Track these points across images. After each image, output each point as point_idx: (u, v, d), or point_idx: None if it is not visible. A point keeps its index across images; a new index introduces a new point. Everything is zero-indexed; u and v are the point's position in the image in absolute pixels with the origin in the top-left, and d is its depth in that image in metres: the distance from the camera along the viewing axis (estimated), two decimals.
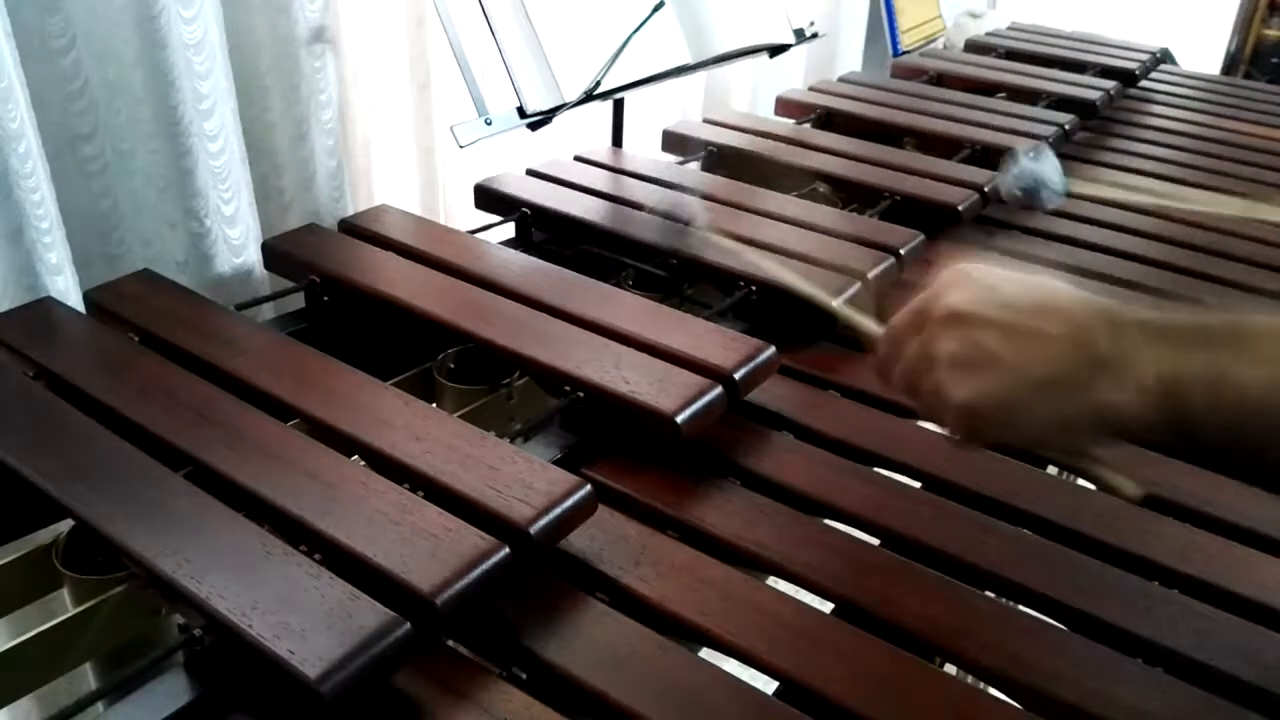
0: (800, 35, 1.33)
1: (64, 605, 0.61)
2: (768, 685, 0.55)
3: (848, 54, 1.95)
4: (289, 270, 0.91)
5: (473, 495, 0.59)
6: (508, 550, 0.55)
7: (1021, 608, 0.62)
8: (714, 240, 0.90)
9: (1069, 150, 1.38)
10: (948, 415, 0.53)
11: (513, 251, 0.93)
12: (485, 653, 0.57)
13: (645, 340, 0.77)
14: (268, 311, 0.94)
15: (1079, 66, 1.71)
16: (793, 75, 1.80)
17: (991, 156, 1.25)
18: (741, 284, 0.90)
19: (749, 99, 1.72)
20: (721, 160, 1.25)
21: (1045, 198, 0.96)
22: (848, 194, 1.16)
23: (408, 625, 0.50)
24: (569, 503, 0.59)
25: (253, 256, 0.98)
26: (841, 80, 1.58)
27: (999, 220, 1.16)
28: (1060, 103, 1.50)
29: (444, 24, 0.93)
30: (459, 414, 0.75)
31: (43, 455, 0.61)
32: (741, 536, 0.65)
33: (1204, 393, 0.47)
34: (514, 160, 1.14)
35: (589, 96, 1.02)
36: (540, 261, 0.90)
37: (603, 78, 1.03)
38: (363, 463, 0.63)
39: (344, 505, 0.57)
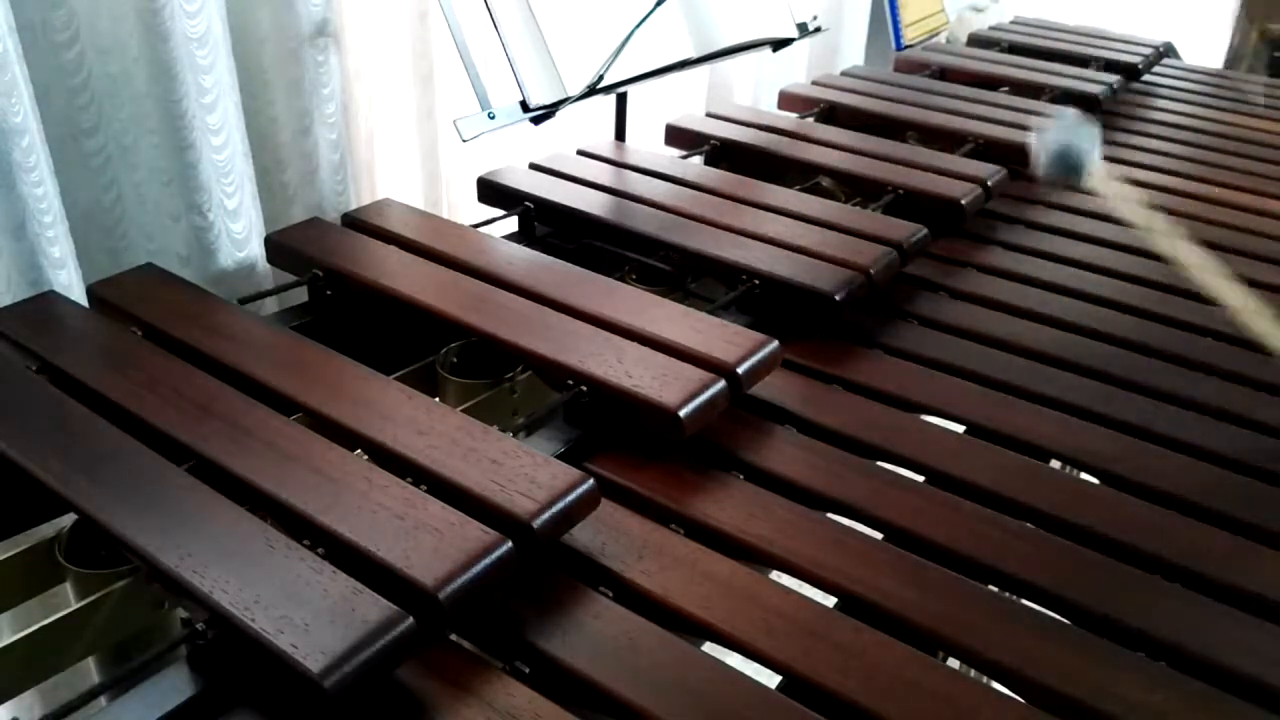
0: (803, 29, 1.33)
1: (67, 600, 0.61)
2: (770, 679, 0.55)
3: (850, 48, 1.95)
4: (292, 264, 0.91)
5: (476, 489, 0.59)
6: (510, 544, 0.55)
7: (1025, 602, 0.62)
8: None
9: None
10: None
11: (515, 245, 0.93)
12: (488, 647, 0.57)
13: (648, 334, 0.76)
14: (271, 305, 0.94)
15: (1082, 61, 1.70)
16: (795, 69, 1.79)
17: (994, 151, 1.25)
18: (744, 277, 0.90)
19: (752, 93, 1.72)
20: (724, 154, 1.25)
21: (1078, 174, 0.88)
22: (851, 188, 1.16)
23: (411, 619, 0.50)
24: (572, 497, 0.59)
25: (256, 250, 0.98)
26: (844, 74, 1.58)
27: (1003, 215, 1.16)
28: (1063, 97, 1.49)
29: (447, 18, 0.93)
30: (462, 408, 0.75)
31: (45, 449, 0.61)
32: (744, 531, 0.65)
33: None
34: (517, 154, 1.14)
35: (592, 90, 1.02)
36: (543, 255, 0.90)
37: (606, 72, 1.02)
38: (365, 457, 0.63)
39: (347, 499, 0.57)
